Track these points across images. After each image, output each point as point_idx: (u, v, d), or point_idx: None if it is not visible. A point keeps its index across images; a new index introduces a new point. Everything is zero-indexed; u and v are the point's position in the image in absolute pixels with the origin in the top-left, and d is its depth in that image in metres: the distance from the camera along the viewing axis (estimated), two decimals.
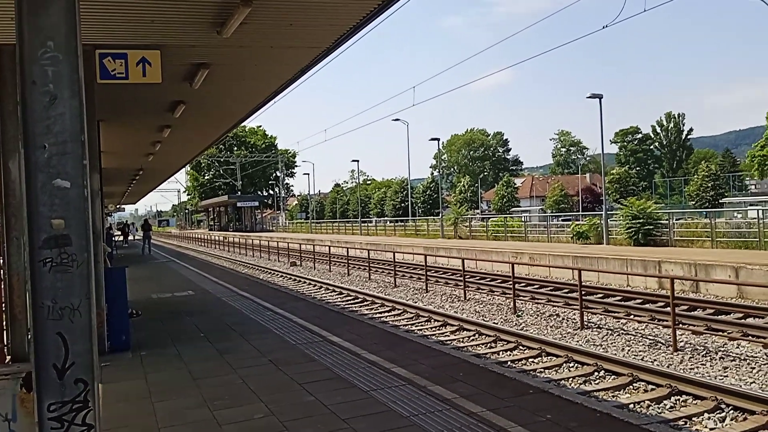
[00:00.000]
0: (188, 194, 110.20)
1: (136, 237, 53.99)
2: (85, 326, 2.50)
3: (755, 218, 21.22)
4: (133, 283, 16.12)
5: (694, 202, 55.49)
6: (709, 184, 55.35)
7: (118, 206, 67.25)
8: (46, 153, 2.46)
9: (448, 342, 11.03)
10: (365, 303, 16.17)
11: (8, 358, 7.41)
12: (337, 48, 9.43)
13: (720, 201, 51.61)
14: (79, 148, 2.50)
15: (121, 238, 49.90)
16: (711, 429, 6.52)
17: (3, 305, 7.72)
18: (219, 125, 17.59)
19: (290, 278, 23.58)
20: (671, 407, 7.21)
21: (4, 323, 7.58)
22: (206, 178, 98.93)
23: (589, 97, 26.81)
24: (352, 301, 16.66)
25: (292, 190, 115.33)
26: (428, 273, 19.14)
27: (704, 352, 9.62)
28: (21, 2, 2.40)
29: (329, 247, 29.27)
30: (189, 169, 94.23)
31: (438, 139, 45.21)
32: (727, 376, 8.45)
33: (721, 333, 10.55)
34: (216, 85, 11.16)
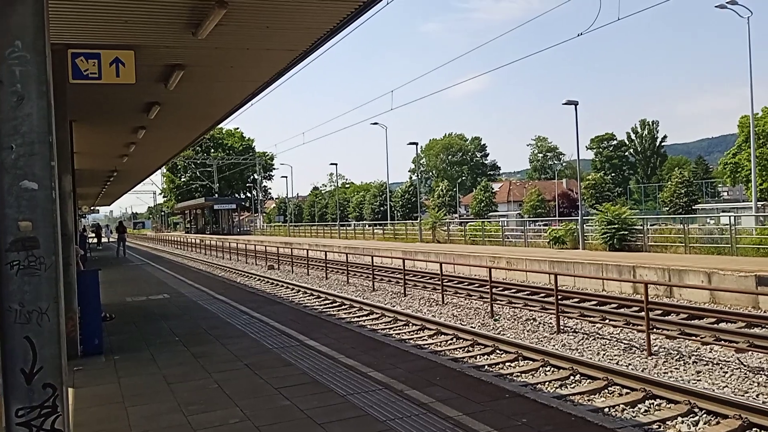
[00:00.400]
0: (164, 196, 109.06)
1: (111, 239, 53.32)
2: (54, 330, 2.44)
3: (727, 224, 21.62)
4: (107, 286, 15.90)
5: (668, 208, 56.35)
6: (683, 191, 56.26)
7: (92, 208, 66.35)
8: (13, 154, 2.40)
9: (426, 346, 11.02)
10: (343, 307, 16.12)
11: None
12: (314, 51, 9.43)
13: (693, 207, 52.45)
14: (47, 149, 2.45)
15: (95, 240, 49.22)
16: None
17: None
18: (195, 127, 17.45)
19: (267, 282, 23.42)
20: (645, 411, 7.27)
21: None
22: (182, 180, 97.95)
23: (565, 104, 27.09)
24: (330, 305, 16.59)
25: (270, 193, 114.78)
26: (406, 277, 19.14)
27: (678, 357, 9.74)
28: None
29: (307, 250, 29.14)
30: (165, 170, 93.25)
31: (416, 144, 45.33)
32: (700, 380, 8.55)
33: (694, 338, 10.69)
34: (192, 86, 11.08)
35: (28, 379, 2.38)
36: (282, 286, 21.77)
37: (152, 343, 9.05)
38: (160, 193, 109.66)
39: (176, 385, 6.60)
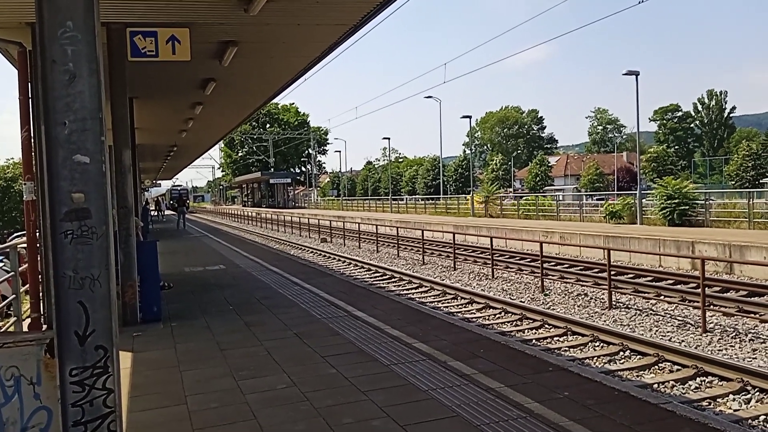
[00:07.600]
0: (222, 171, 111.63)
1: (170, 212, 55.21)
2: (105, 295, 2.60)
3: None
4: (167, 257, 16.52)
5: (734, 183, 54.13)
6: (750, 164, 53.84)
7: (154, 182, 68.61)
8: (66, 129, 2.55)
9: (473, 319, 11.07)
10: (393, 280, 16.29)
11: (44, 326, 7.72)
12: (364, 25, 9.44)
13: (761, 181, 50.23)
14: (97, 125, 2.59)
15: (155, 213, 51.18)
16: (735, 410, 6.47)
17: (40, 276, 8.03)
18: (249, 102, 17.76)
19: (320, 254, 23.83)
20: (696, 388, 7.16)
21: (41, 293, 7.88)
22: (239, 154, 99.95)
23: (625, 74, 26.26)
24: (380, 278, 16.79)
25: (324, 168, 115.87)
26: (457, 251, 19.14)
27: (734, 334, 9.49)
28: None
29: (359, 224, 29.46)
30: (223, 145, 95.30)
31: (470, 117, 44.87)
32: (755, 358, 8.34)
33: (752, 315, 10.38)
34: (245, 62, 11.27)
35: (81, 341, 2.56)
36: (334, 258, 22.11)
37: (207, 311, 9.40)
38: (219, 168, 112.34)
39: (228, 352, 6.87)
